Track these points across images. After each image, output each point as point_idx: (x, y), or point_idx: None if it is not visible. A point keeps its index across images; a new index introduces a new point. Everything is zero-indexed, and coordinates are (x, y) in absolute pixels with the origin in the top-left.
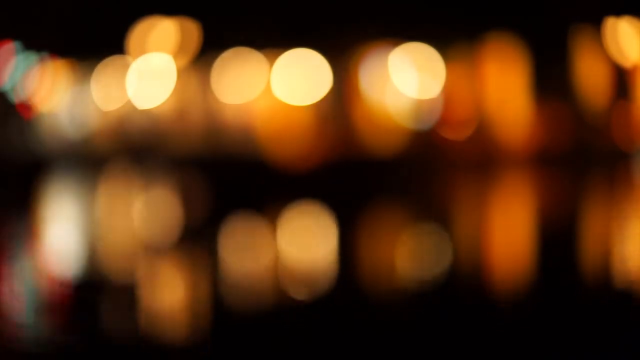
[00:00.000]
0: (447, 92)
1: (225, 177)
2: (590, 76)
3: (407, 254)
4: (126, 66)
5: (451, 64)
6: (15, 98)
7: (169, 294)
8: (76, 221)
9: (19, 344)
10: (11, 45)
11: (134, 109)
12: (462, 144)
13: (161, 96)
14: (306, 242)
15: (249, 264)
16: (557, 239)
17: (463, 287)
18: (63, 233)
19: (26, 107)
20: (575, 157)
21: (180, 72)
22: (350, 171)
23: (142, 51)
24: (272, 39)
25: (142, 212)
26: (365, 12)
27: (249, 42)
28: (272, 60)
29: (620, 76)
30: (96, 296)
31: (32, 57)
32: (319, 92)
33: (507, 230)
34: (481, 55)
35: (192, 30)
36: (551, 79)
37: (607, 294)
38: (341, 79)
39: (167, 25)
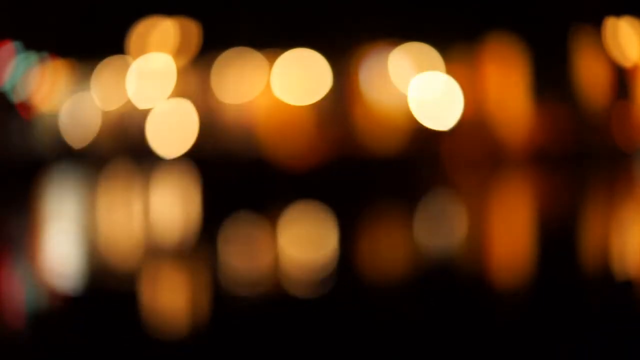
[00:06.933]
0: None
1: (225, 177)
2: (590, 76)
3: (407, 254)
4: (126, 66)
5: (451, 64)
6: (15, 98)
7: (169, 295)
8: (76, 221)
9: (19, 343)
10: (11, 45)
11: (134, 109)
12: (462, 144)
13: (161, 96)
14: (306, 241)
15: (249, 263)
16: (557, 238)
17: (463, 286)
18: (63, 233)
19: (26, 107)
20: (575, 157)
21: (180, 72)
22: (350, 171)
23: (142, 51)
24: (272, 39)
25: (142, 212)
26: (365, 12)
27: (249, 42)
28: (272, 60)
29: (620, 76)
30: (96, 297)
31: (32, 57)
32: (319, 92)
33: (507, 229)
34: (481, 55)
35: (192, 30)
36: (551, 79)
37: (607, 293)
38: (341, 79)
39: (167, 25)
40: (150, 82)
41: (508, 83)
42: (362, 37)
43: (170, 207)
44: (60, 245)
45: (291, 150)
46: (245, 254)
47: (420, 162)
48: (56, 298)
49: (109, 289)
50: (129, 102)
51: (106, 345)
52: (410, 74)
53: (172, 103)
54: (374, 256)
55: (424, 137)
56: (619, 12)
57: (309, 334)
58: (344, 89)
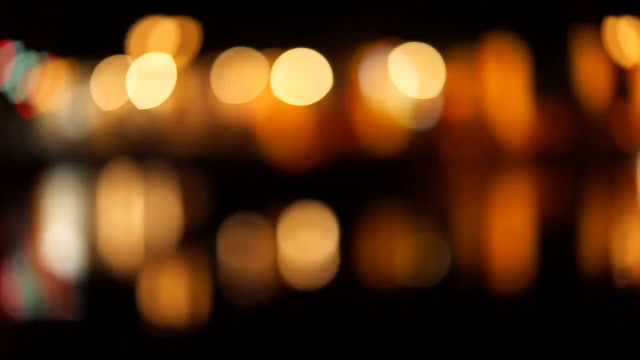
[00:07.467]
0: (447, 92)
1: (225, 177)
2: (590, 76)
3: (407, 254)
4: (126, 66)
5: (451, 64)
6: (15, 98)
7: (169, 295)
8: (76, 221)
9: (19, 343)
10: (11, 45)
11: (134, 109)
12: (462, 144)
13: (161, 96)
14: (306, 242)
15: (249, 264)
16: (557, 239)
17: (463, 286)
18: (63, 233)
19: (26, 107)
20: (575, 157)
21: (180, 72)
22: (350, 171)
23: (142, 51)
24: (272, 39)
25: (142, 212)
26: (365, 12)
27: (249, 42)
28: (272, 60)
29: (620, 76)
30: (96, 297)
31: (32, 57)
32: (319, 92)
33: (507, 230)
34: (481, 55)
35: (192, 30)
36: (551, 79)
37: (606, 293)
38: (341, 79)
39: (167, 25)
40: (150, 82)
41: (508, 83)
42: (362, 37)
43: (169, 207)
44: (60, 245)
45: (291, 150)
46: (245, 254)
47: (419, 163)
48: (56, 298)
49: (108, 289)
50: (129, 102)
51: (106, 345)
52: (410, 74)
53: None
54: (374, 256)
55: (423, 137)
56: (619, 12)
57: (309, 334)
58: (344, 89)
